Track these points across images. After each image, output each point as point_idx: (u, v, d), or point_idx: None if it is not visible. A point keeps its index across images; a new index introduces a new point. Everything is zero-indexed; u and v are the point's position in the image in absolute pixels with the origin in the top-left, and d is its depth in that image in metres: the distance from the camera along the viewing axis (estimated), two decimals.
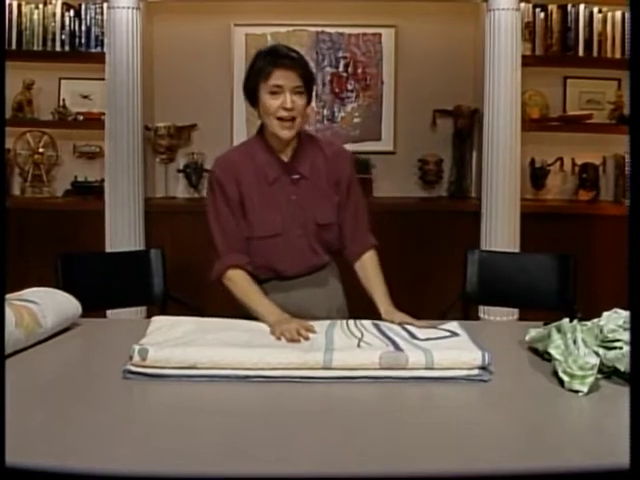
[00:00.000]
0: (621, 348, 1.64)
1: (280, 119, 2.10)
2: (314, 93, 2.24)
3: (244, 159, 2.22)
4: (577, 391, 1.57)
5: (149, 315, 3.26)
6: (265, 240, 2.20)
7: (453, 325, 2.00)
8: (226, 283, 2.18)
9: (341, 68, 4.31)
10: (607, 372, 1.66)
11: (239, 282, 2.16)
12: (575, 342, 1.67)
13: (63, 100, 4.24)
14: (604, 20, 4.14)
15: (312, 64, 2.71)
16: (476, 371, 1.66)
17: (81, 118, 4.19)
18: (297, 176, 2.21)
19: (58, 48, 4.09)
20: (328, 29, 4.27)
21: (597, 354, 1.64)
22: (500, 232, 3.82)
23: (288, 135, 2.13)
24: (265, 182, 2.19)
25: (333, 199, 2.25)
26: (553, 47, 4.16)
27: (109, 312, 3.25)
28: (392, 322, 2.05)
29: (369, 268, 2.27)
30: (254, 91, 2.13)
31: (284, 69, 2.08)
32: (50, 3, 4.09)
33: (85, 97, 4.28)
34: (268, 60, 2.10)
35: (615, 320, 1.73)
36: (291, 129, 2.12)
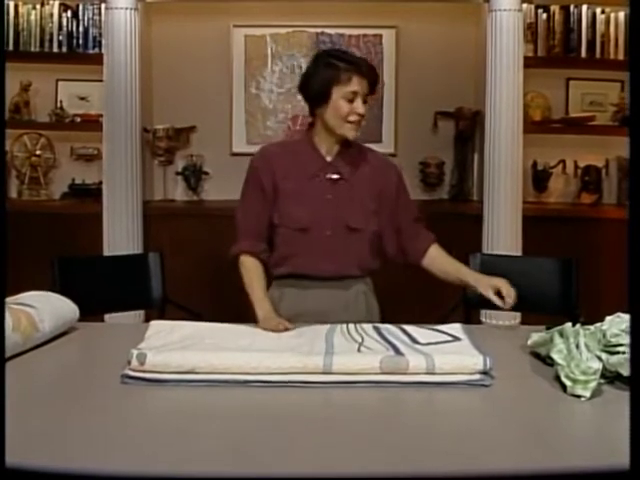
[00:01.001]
0: (624, 353, 1.63)
1: (350, 122, 2.22)
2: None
3: (286, 152, 2.34)
4: (579, 396, 1.56)
5: (147, 319, 3.26)
6: (292, 232, 2.27)
7: (455, 328, 1.99)
8: (239, 265, 2.31)
9: None
10: (610, 377, 1.64)
11: (248, 268, 2.29)
12: (578, 347, 1.65)
13: (60, 102, 4.23)
14: (607, 21, 4.12)
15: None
16: (477, 376, 1.65)
17: (78, 120, 4.18)
18: (336, 176, 2.29)
19: (55, 49, 4.08)
20: (328, 30, 4.25)
21: (600, 359, 1.63)
22: (502, 235, 3.80)
23: (355, 136, 2.27)
24: (304, 176, 2.28)
25: (369, 206, 2.31)
26: (555, 48, 4.14)
27: (107, 316, 3.22)
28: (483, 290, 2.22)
29: (441, 257, 2.38)
30: (325, 94, 2.19)
31: (362, 76, 2.19)
32: (47, 4, 4.08)
33: (83, 99, 4.27)
34: (345, 66, 2.18)
35: (618, 324, 1.71)
36: (357, 131, 2.26)
